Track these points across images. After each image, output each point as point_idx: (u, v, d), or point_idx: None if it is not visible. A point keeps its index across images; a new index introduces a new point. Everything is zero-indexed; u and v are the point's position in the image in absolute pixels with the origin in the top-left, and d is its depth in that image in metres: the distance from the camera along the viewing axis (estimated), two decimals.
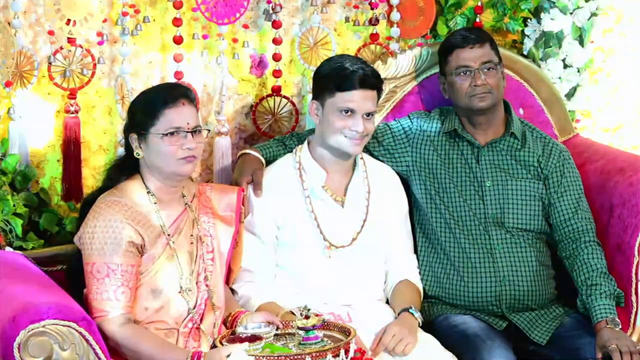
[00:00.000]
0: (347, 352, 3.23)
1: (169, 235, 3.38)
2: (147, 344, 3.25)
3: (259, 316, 3.42)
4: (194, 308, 3.40)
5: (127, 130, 3.40)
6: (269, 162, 3.82)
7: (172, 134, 3.31)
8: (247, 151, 3.82)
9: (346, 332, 3.37)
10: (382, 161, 3.93)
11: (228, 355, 3.14)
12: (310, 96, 3.79)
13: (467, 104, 3.86)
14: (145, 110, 3.34)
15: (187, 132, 3.33)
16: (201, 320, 3.42)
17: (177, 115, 3.32)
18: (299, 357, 3.18)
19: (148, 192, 3.39)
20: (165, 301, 3.36)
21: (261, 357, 3.17)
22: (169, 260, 3.37)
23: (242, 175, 3.73)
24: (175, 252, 3.39)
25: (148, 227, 3.34)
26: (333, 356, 3.19)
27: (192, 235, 3.44)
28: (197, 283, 3.43)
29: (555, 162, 3.91)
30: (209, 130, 3.49)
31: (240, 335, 3.28)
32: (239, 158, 3.83)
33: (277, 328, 3.37)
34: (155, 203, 3.39)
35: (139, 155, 3.36)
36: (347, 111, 3.61)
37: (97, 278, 3.28)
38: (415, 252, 3.92)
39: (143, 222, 3.34)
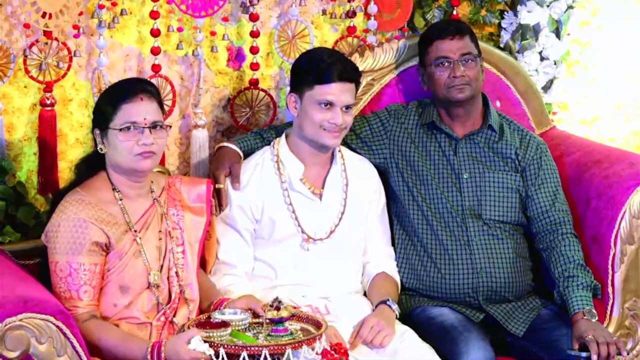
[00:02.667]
0: (312, 348, 3.23)
1: (135, 231, 3.39)
2: (109, 338, 3.27)
3: (241, 302, 3.43)
4: (167, 304, 3.41)
5: (92, 128, 3.41)
6: (246, 154, 3.82)
7: (128, 128, 3.31)
8: (225, 144, 3.83)
9: (320, 326, 3.36)
10: (359, 153, 3.94)
11: (188, 342, 3.15)
12: (288, 89, 3.80)
13: (446, 95, 3.87)
14: (105, 105, 3.35)
15: (144, 127, 3.32)
16: (175, 314, 3.42)
17: (133, 110, 3.32)
18: (257, 348, 3.18)
19: (114, 189, 3.40)
20: (134, 297, 3.37)
21: (220, 345, 3.17)
22: (136, 256, 3.38)
23: (220, 168, 3.73)
24: (143, 248, 3.39)
25: (113, 225, 3.35)
26: (292, 349, 3.20)
27: (160, 231, 3.45)
28: (168, 278, 3.43)
29: (532, 154, 3.93)
30: (171, 127, 3.47)
31: (212, 320, 3.29)
32: (216, 151, 3.83)
33: (259, 316, 3.37)
34: (121, 199, 3.39)
35: (102, 150, 3.37)
36: (325, 104, 3.63)
37: (60, 277, 3.29)
38: (393, 244, 3.93)
39: (108, 220, 3.34)
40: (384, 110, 4.05)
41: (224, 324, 3.25)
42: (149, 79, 3.68)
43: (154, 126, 3.34)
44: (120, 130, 3.31)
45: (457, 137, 3.91)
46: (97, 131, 3.36)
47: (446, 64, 3.85)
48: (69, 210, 3.31)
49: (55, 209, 3.36)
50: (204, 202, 3.56)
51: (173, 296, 3.42)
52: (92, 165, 3.43)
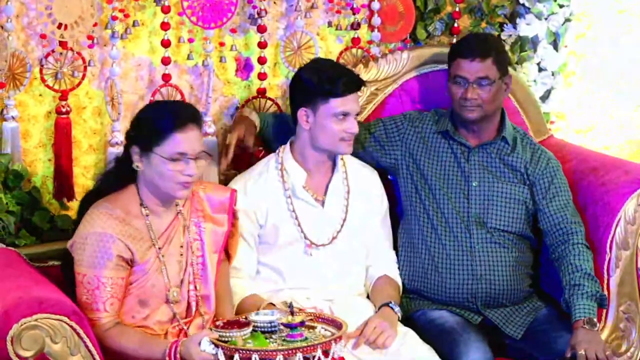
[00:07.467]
0: (325, 353, 3.21)
1: (159, 248, 3.39)
2: (130, 342, 3.30)
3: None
4: (184, 318, 3.43)
5: (130, 141, 3.37)
6: (261, 131, 3.92)
7: (176, 159, 3.30)
8: (247, 114, 3.92)
9: (339, 326, 3.36)
10: (371, 152, 3.98)
11: (199, 343, 3.18)
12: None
13: (458, 111, 3.89)
14: (153, 128, 3.31)
15: (191, 158, 3.31)
16: (188, 325, 3.45)
17: (184, 141, 3.29)
18: (269, 353, 3.16)
19: (141, 204, 3.40)
20: (152, 310, 3.40)
21: (228, 349, 3.16)
22: (158, 272, 3.39)
23: (235, 131, 3.85)
24: (165, 264, 3.40)
25: (139, 241, 3.36)
26: (303, 354, 3.18)
27: (182, 247, 3.45)
28: (188, 291, 3.44)
29: (542, 169, 3.92)
30: (212, 155, 3.39)
31: (240, 320, 3.29)
32: (237, 117, 3.92)
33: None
34: (147, 215, 3.39)
35: (138, 167, 3.35)
36: (342, 115, 3.69)
37: (88, 289, 3.30)
38: (397, 244, 3.96)
39: (134, 236, 3.35)
40: (401, 114, 4.07)
41: (247, 324, 3.24)
42: (192, 105, 3.62)
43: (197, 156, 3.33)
44: (170, 159, 3.28)
45: (470, 145, 3.93)
46: (137, 149, 3.33)
47: (462, 82, 3.85)
48: (97, 224, 3.31)
49: (81, 218, 3.36)
50: (225, 212, 3.55)
51: (189, 308, 3.43)
52: (121, 178, 3.41)
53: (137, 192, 3.41)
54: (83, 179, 3.93)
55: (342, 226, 3.82)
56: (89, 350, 3.17)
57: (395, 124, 4.03)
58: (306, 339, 3.27)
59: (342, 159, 3.87)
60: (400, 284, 3.90)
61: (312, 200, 3.80)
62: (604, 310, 3.87)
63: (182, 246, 3.45)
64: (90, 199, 3.43)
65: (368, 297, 3.86)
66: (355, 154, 3.91)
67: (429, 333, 3.73)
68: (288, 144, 3.85)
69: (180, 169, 3.31)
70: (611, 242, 3.87)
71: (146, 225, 3.39)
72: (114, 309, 3.32)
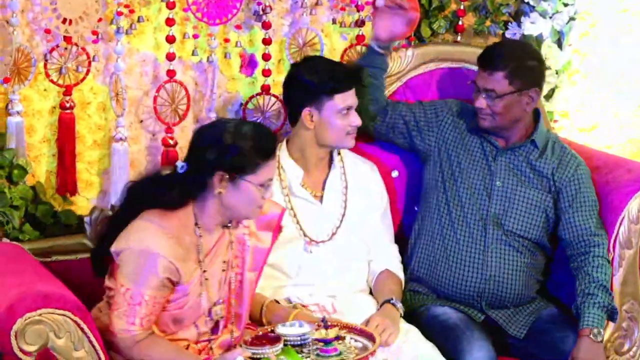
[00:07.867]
0: None
1: (204, 271, 3.35)
2: (161, 352, 3.28)
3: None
4: (213, 334, 3.41)
5: (212, 166, 3.28)
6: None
7: (264, 185, 3.32)
8: None
9: (372, 338, 3.37)
10: (410, 132, 4.00)
11: None
12: None
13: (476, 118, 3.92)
14: (246, 156, 3.28)
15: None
16: (214, 342, 3.43)
17: (273, 168, 3.34)
18: None
19: (196, 224, 3.35)
20: (184, 328, 3.37)
21: None
22: (198, 295, 3.35)
23: None
24: (205, 290, 3.36)
25: (187, 262, 3.30)
26: None
27: (224, 262, 3.41)
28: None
29: (570, 176, 3.88)
30: None
31: (269, 334, 3.28)
32: None
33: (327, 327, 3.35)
34: (200, 236, 3.36)
35: (220, 193, 3.30)
36: (346, 109, 3.73)
37: (129, 303, 3.24)
38: (410, 232, 3.98)
39: (183, 258, 3.29)
40: (442, 100, 4.08)
41: (277, 339, 3.23)
42: (267, 126, 3.61)
43: None
44: (262, 185, 3.30)
45: (499, 146, 3.91)
46: (224, 175, 3.28)
47: (476, 89, 3.85)
48: (149, 241, 3.25)
49: (116, 226, 3.32)
50: (271, 229, 3.51)
51: (220, 327, 3.42)
52: (185, 197, 3.33)
53: (194, 210, 3.35)
54: (87, 174, 3.95)
55: (341, 222, 3.82)
56: (93, 346, 3.18)
57: (434, 110, 4.03)
58: (340, 353, 3.27)
59: (339, 154, 3.88)
60: (402, 277, 3.89)
61: (311, 198, 3.81)
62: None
63: (224, 261, 3.42)
64: (130, 213, 3.34)
65: (371, 292, 3.86)
66: (385, 134, 4.00)
67: (432, 329, 3.73)
68: (284, 141, 3.86)
69: (263, 193, 3.34)
70: (614, 241, 3.87)
71: (196, 246, 3.34)
72: (149, 324, 3.28)
